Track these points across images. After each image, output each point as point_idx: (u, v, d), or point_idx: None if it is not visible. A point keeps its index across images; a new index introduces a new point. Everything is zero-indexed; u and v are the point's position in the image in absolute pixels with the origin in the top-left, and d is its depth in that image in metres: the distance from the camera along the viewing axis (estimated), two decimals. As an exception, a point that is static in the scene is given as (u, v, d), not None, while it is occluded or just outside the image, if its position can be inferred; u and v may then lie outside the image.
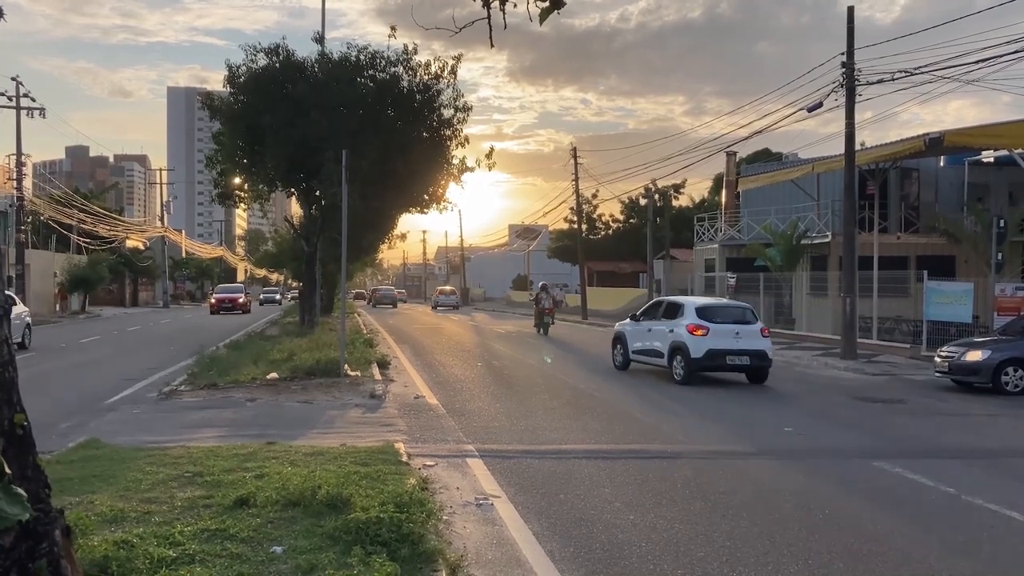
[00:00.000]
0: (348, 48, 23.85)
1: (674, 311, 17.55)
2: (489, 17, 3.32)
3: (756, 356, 16.66)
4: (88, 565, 4.70)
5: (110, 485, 7.19)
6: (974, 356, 16.29)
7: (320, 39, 24.44)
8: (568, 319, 46.96)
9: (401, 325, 39.40)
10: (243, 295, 55.02)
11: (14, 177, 42.46)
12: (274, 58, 23.45)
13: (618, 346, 19.38)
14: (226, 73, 23.49)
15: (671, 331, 17.09)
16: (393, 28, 22.84)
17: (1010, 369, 15.94)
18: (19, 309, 23.54)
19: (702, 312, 16.95)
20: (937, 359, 17.29)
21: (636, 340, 18.70)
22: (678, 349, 16.74)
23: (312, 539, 5.69)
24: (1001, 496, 8.08)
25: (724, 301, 21.70)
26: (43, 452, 3.22)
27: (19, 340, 22.96)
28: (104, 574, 4.80)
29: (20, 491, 2.67)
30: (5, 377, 2.91)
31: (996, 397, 15.55)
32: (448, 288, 71.22)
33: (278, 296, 78.49)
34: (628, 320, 19.47)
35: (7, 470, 2.68)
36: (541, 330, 31.98)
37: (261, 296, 78.28)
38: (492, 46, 3.45)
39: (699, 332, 16.50)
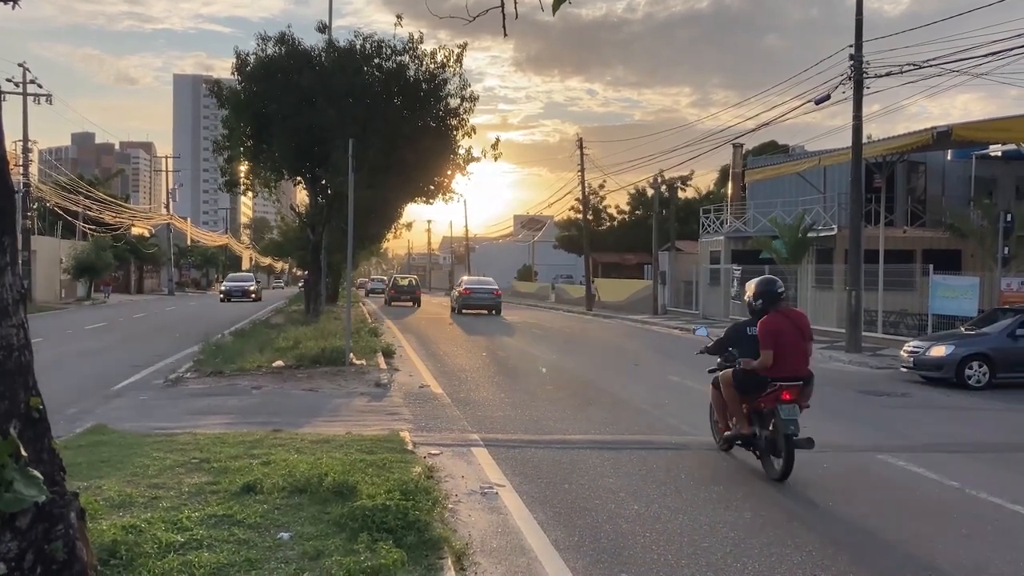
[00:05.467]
0: (354, 37, 23.85)
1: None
2: (503, 5, 3.32)
3: (493, 303, 39.18)
4: (97, 549, 4.73)
5: (118, 470, 7.24)
6: (938, 351, 16.41)
7: (325, 28, 24.40)
8: (573, 310, 47.02)
9: (406, 315, 39.45)
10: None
11: (21, 163, 42.51)
12: (281, 47, 23.42)
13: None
14: (234, 61, 23.49)
15: (455, 290, 43.45)
16: (399, 16, 22.87)
17: (973, 364, 16.04)
18: None
19: (469, 283, 41.71)
20: (903, 354, 17.41)
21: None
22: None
23: (319, 525, 5.73)
24: (1005, 490, 8.10)
25: (478, 279, 43.94)
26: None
27: None
28: (113, 558, 4.84)
29: (36, 473, 2.71)
30: (21, 360, 2.93)
31: (1006, 392, 15.57)
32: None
33: (251, 287, 56.47)
34: None
35: (23, 452, 2.71)
36: None
37: (224, 287, 57.51)
38: (505, 35, 3.47)
39: (466, 292, 39.56)
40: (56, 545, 2.81)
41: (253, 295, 54.87)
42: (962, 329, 18.00)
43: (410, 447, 8.81)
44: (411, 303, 46.90)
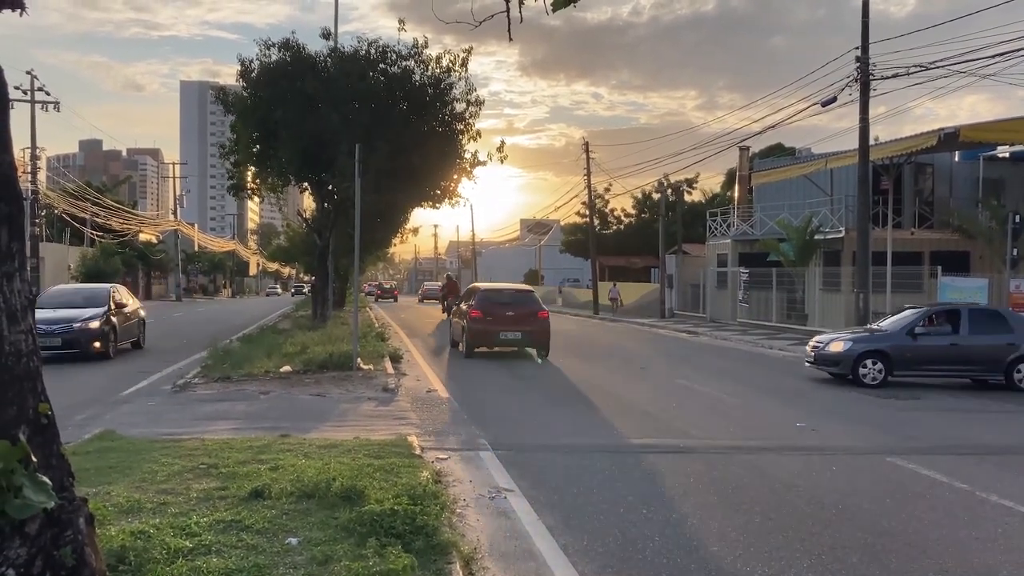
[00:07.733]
0: (359, 42, 23.85)
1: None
2: (508, 11, 3.32)
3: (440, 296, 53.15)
4: (106, 555, 4.72)
5: (126, 476, 7.25)
6: (836, 347, 16.51)
7: (328, 35, 24.40)
8: (580, 313, 46.96)
9: (412, 320, 39.50)
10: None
11: (29, 170, 42.70)
12: (285, 53, 23.45)
13: None
14: (239, 67, 23.54)
15: (419, 290, 78.55)
16: (402, 21, 22.91)
17: (868, 361, 16.05)
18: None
19: (427, 284, 78.66)
20: (808, 348, 17.47)
21: None
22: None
23: (327, 531, 5.72)
24: (1015, 492, 8.06)
25: (432, 283, 75.16)
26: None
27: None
28: (122, 564, 4.84)
29: (45, 479, 2.71)
30: (30, 366, 2.94)
31: (1016, 394, 15.50)
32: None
33: (92, 320, 18.69)
34: None
35: (32, 458, 2.72)
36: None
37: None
38: (510, 40, 3.46)
39: (425, 290, 71.68)
40: (65, 551, 2.81)
41: (97, 344, 18.78)
42: (870, 325, 18.01)
43: (418, 452, 8.80)
44: (391, 299, 70.77)
